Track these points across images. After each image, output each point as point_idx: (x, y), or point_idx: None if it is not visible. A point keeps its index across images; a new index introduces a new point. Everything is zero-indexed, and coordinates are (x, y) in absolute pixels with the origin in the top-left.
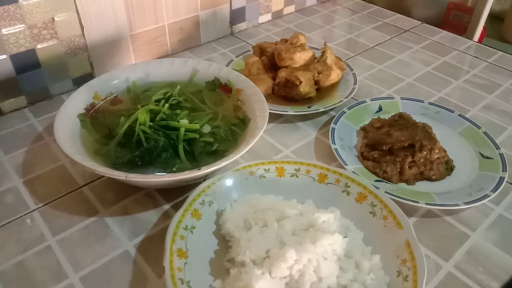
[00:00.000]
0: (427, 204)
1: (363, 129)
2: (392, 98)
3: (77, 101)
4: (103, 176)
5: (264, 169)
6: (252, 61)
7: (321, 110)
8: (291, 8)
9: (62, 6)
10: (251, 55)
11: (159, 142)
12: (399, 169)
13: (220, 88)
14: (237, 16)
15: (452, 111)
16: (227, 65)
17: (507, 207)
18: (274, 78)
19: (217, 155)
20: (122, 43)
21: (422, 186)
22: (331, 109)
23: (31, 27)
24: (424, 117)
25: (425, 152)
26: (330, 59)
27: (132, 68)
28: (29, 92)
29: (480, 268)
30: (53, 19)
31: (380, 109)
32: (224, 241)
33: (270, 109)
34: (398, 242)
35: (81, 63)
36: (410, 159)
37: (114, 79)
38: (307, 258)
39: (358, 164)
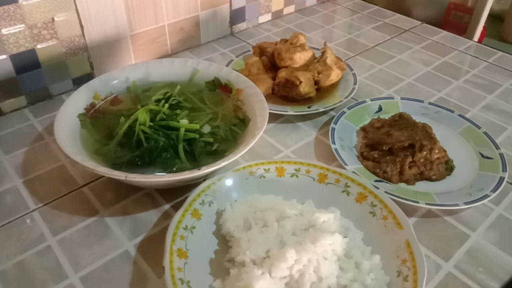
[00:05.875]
0: (427, 204)
1: (363, 129)
2: (392, 98)
3: (77, 101)
4: (103, 176)
5: (264, 169)
6: (252, 61)
7: (321, 110)
8: (291, 8)
9: (62, 6)
10: (251, 55)
11: (159, 142)
12: (399, 169)
13: (220, 88)
14: (237, 16)
15: (452, 111)
16: (227, 65)
17: (507, 207)
18: (274, 78)
19: (217, 155)
20: (122, 43)
21: (422, 186)
22: (331, 109)
23: (31, 27)
24: (424, 117)
25: (425, 152)
26: (330, 59)
27: (132, 68)
28: (29, 92)
29: (480, 268)
30: (53, 19)
31: (380, 109)
32: (224, 241)
33: (270, 109)
34: (398, 242)
35: (81, 63)
36: (410, 159)
37: (114, 79)
38: (307, 258)
39: (358, 164)
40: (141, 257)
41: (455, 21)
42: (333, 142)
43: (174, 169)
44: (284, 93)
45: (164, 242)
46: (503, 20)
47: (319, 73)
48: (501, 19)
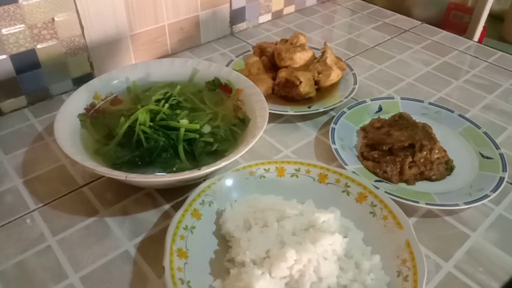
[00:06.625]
0: (427, 204)
1: (363, 129)
2: (392, 98)
3: (77, 101)
4: (103, 176)
5: (264, 169)
6: (252, 61)
7: (321, 110)
8: (291, 8)
9: (62, 6)
10: (251, 55)
11: (159, 142)
12: (399, 169)
13: (220, 88)
14: (237, 16)
15: (452, 111)
16: (227, 65)
17: (507, 207)
18: (274, 78)
19: (217, 155)
20: (122, 43)
21: (422, 186)
22: (331, 109)
23: (31, 27)
24: (424, 117)
25: (425, 152)
26: (330, 59)
27: (132, 68)
28: (29, 92)
29: (480, 268)
30: (53, 19)
31: (380, 109)
32: (224, 241)
33: (270, 109)
34: (398, 242)
35: (81, 63)
36: (410, 159)
37: (114, 79)
38: (307, 258)
39: (358, 164)
40: (141, 257)
41: (455, 21)
42: (333, 142)
43: (174, 169)
44: (284, 93)
45: (164, 242)
46: (503, 20)
47: (319, 73)
48: (501, 19)
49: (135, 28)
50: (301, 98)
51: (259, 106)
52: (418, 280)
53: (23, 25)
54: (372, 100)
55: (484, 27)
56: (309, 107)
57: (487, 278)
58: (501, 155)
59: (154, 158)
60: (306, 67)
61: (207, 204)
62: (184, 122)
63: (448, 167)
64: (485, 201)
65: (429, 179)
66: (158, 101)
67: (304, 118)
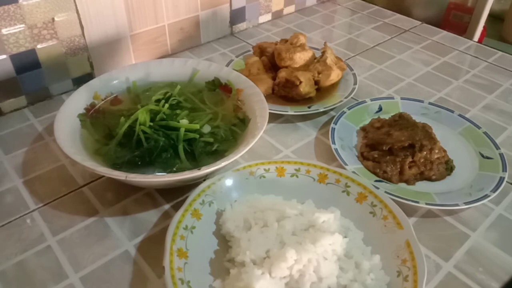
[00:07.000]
0: (427, 204)
1: (363, 129)
2: (392, 98)
3: (77, 101)
4: (103, 176)
5: (264, 169)
6: (252, 61)
7: (321, 110)
8: (291, 8)
9: (62, 6)
10: (251, 55)
11: (159, 142)
12: (399, 169)
13: (220, 88)
14: (237, 16)
15: (452, 111)
16: (227, 65)
17: (507, 207)
18: (274, 78)
19: (217, 155)
20: (122, 43)
21: (422, 186)
22: (331, 109)
23: (31, 27)
24: (424, 117)
25: (425, 152)
26: (330, 59)
27: (132, 68)
28: (29, 92)
29: (480, 268)
30: (53, 19)
31: (380, 109)
32: (224, 241)
33: (270, 109)
34: (398, 242)
35: (81, 63)
36: (410, 159)
37: (114, 79)
38: (307, 258)
39: (358, 164)
40: (141, 257)
41: (455, 21)
42: (333, 142)
43: (174, 169)
44: (284, 93)
45: (164, 242)
46: (503, 20)
47: (319, 73)
48: (501, 19)
49: (135, 28)
50: (301, 98)
51: (259, 106)
52: (418, 280)
53: (23, 25)
54: (372, 100)
55: (484, 27)
56: (309, 107)
57: (487, 278)
58: (501, 155)
59: (154, 158)
60: (306, 67)
61: (207, 204)
62: (184, 122)
63: (448, 167)
64: (485, 201)
65: (429, 179)
66: (158, 101)
67: (304, 118)
